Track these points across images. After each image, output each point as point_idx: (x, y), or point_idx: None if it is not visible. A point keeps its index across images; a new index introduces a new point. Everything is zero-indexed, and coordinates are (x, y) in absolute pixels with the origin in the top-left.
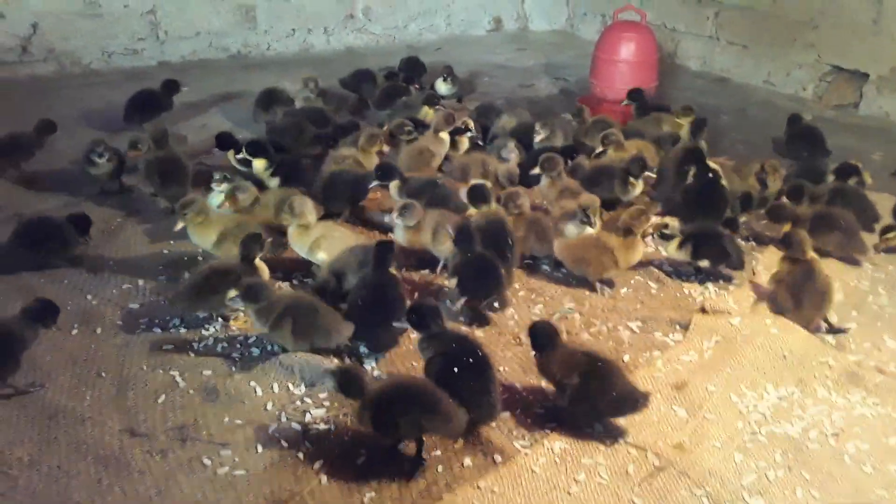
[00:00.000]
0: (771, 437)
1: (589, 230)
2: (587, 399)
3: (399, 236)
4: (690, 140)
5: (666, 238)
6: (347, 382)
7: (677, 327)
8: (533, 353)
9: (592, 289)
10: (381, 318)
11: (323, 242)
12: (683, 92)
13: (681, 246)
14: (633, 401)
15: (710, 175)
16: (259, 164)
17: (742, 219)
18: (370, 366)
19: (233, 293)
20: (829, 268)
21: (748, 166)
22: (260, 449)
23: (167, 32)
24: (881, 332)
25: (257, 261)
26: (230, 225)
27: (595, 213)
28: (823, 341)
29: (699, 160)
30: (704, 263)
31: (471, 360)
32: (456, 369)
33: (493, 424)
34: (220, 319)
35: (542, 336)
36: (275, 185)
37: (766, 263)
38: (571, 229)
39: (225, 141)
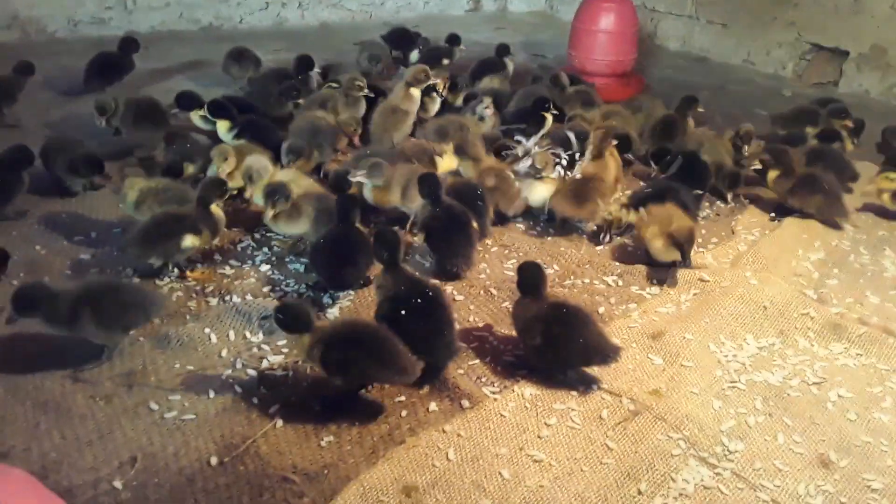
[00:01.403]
0: (751, 386)
1: (541, 182)
2: (553, 348)
3: (367, 195)
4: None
5: (621, 232)
6: (289, 317)
7: (654, 281)
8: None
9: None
10: (342, 258)
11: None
12: (663, 71)
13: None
14: (603, 352)
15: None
16: (222, 126)
17: (729, 195)
18: (332, 315)
19: (190, 239)
20: (811, 228)
21: (727, 134)
22: (212, 394)
23: (136, 2)
24: (863, 289)
25: (214, 207)
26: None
27: (543, 161)
28: (805, 294)
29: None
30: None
31: (421, 301)
32: (405, 311)
33: (461, 371)
34: (175, 270)
35: (528, 277)
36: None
37: (744, 223)
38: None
39: (187, 100)
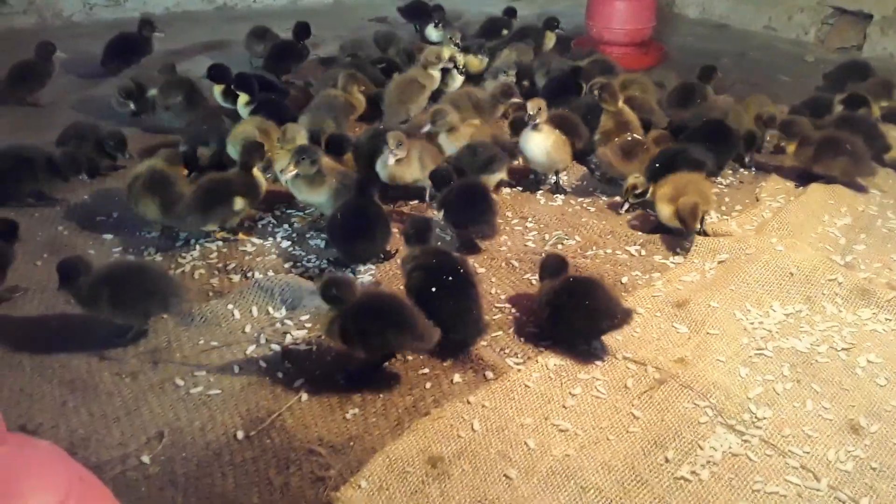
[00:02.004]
0: (778, 353)
1: (537, 131)
2: (561, 316)
3: (383, 172)
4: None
5: (641, 197)
6: (336, 288)
7: (678, 250)
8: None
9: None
10: (357, 232)
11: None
12: (683, 39)
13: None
14: (610, 315)
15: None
16: (242, 99)
17: (747, 158)
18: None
19: (240, 202)
20: (837, 194)
21: (750, 100)
22: (237, 370)
23: None
24: (891, 253)
25: (255, 170)
26: None
27: (536, 107)
28: (832, 260)
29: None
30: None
31: (450, 277)
32: (434, 287)
33: (484, 343)
34: (197, 247)
35: (546, 268)
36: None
37: (769, 191)
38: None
39: (219, 73)
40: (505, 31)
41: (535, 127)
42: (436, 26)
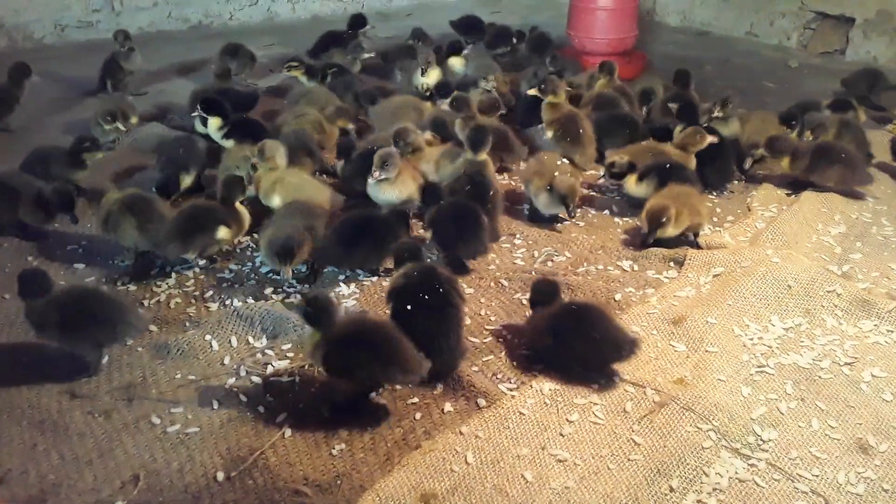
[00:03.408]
0: (780, 369)
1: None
2: (566, 348)
3: (377, 193)
4: (678, 91)
5: (616, 176)
6: (316, 310)
7: (671, 264)
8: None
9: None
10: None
11: (279, 187)
12: (665, 47)
13: (640, 180)
14: (618, 347)
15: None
16: (214, 124)
17: (747, 166)
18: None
19: (224, 231)
20: (830, 201)
21: (751, 114)
22: (216, 405)
23: (123, 3)
24: (888, 262)
25: (239, 206)
26: None
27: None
28: (829, 270)
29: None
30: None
31: (429, 296)
32: (412, 308)
33: (475, 368)
34: (173, 275)
35: (538, 293)
36: (229, 146)
37: (761, 200)
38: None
39: (213, 105)
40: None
41: (384, 179)
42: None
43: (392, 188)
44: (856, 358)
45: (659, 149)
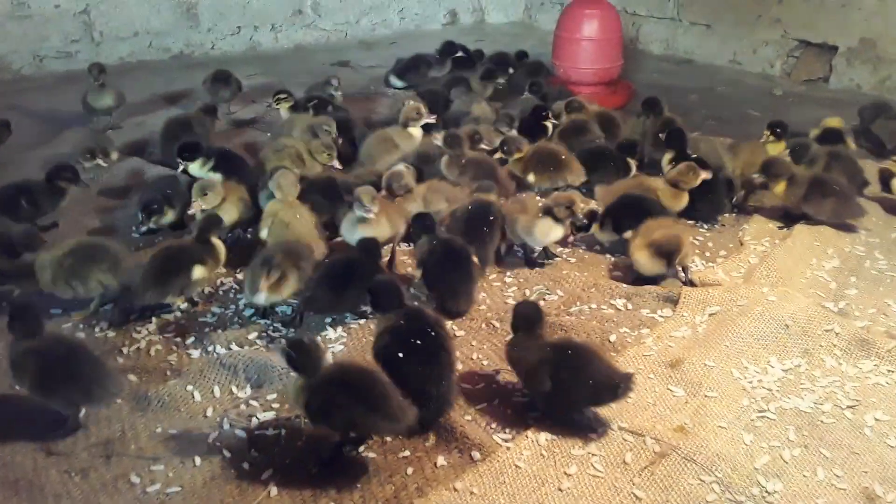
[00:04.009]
0: (781, 414)
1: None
2: (560, 391)
3: (351, 232)
4: (651, 118)
5: (582, 229)
6: (299, 354)
7: (665, 302)
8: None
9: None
10: (331, 280)
11: (271, 220)
12: (649, 76)
13: (602, 227)
14: (613, 386)
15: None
16: (195, 166)
17: (735, 199)
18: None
19: (199, 270)
20: (822, 235)
21: (742, 145)
22: (198, 461)
23: (102, 33)
24: (883, 297)
25: (214, 239)
26: None
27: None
28: (826, 308)
29: (679, 144)
30: (629, 236)
31: (420, 341)
32: (402, 352)
33: (469, 417)
34: (153, 320)
35: (521, 318)
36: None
37: (753, 233)
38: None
39: (191, 148)
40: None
41: (363, 220)
42: (399, 76)
43: (370, 229)
44: (857, 401)
45: (647, 184)
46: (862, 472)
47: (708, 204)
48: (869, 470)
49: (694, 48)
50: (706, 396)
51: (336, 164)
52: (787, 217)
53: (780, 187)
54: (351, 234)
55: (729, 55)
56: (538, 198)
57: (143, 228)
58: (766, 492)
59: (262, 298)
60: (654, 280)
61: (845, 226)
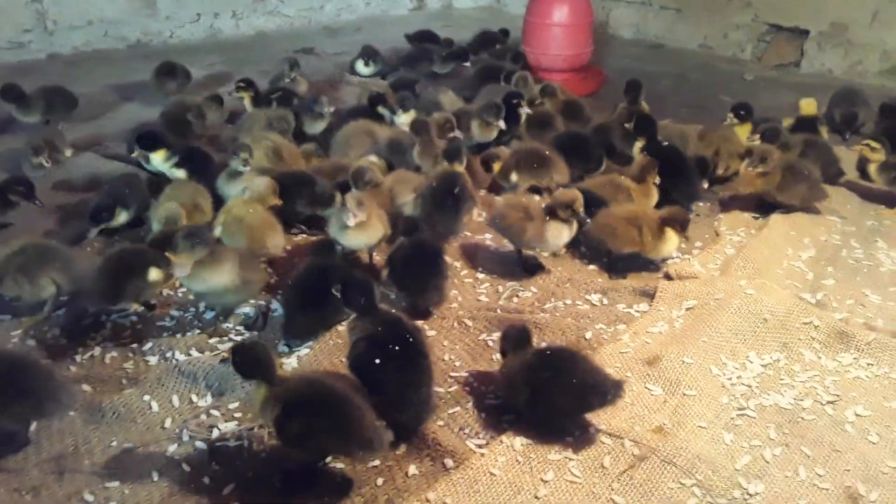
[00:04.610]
0: (761, 411)
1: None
2: (544, 399)
3: (342, 236)
4: (630, 105)
5: (583, 224)
6: (247, 359)
7: (642, 297)
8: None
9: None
10: (305, 301)
11: (225, 218)
12: (620, 61)
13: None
14: (602, 392)
15: (666, 144)
16: (158, 156)
17: (704, 184)
18: (290, 366)
19: (155, 273)
20: (797, 224)
21: (712, 132)
22: (155, 477)
23: (56, 22)
24: (861, 287)
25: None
26: None
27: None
28: (804, 300)
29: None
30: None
31: (398, 347)
32: (379, 359)
33: (441, 423)
34: (109, 325)
35: (508, 341)
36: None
37: (728, 224)
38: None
39: (151, 138)
40: (498, 46)
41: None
42: (365, 63)
43: (363, 233)
44: (838, 396)
45: (618, 180)
46: (844, 471)
47: (681, 192)
48: (851, 468)
49: (664, 33)
50: (685, 395)
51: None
52: (761, 206)
53: (757, 175)
54: (340, 236)
55: (699, 39)
56: (536, 198)
57: (91, 235)
58: (748, 494)
59: (183, 272)
60: (627, 267)
61: (821, 214)
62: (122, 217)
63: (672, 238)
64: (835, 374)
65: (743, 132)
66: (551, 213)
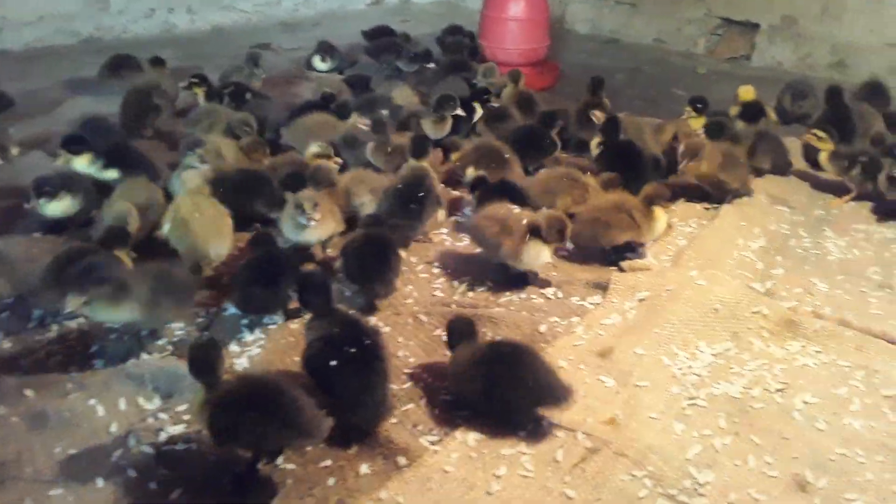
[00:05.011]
0: (711, 400)
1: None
2: (498, 396)
3: (297, 235)
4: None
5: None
6: (202, 358)
7: (595, 289)
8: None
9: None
10: (263, 280)
11: (171, 216)
12: (576, 56)
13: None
14: (554, 395)
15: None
16: (82, 161)
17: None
18: (241, 366)
19: None
20: (748, 214)
21: (668, 125)
22: (100, 483)
23: (5, 18)
24: (809, 276)
25: (120, 254)
26: None
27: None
28: (753, 290)
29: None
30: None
31: (354, 349)
32: (334, 360)
33: (394, 420)
34: (54, 326)
35: (454, 334)
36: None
37: (680, 215)
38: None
39: (75, 141)
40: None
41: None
42: (322, 59)
43: (317, 229)
44: (786, 384)
45: (575, 175)
46: (792, 459)
47: (636, 188)
48: (799, 455)
49: (620, 27)
50: (636, 386)
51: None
52: (703, 193)
53: (702, 165)
54: (295, 235)
55: (654, 34)
56: (516, 210)
57: (34, 203)
58: (698, 483)
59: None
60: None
61: (771, 205)
62: (65, 201)
63: (661, 215)
64: (783, 362)
65: (697, 124)
66: (534, 231)
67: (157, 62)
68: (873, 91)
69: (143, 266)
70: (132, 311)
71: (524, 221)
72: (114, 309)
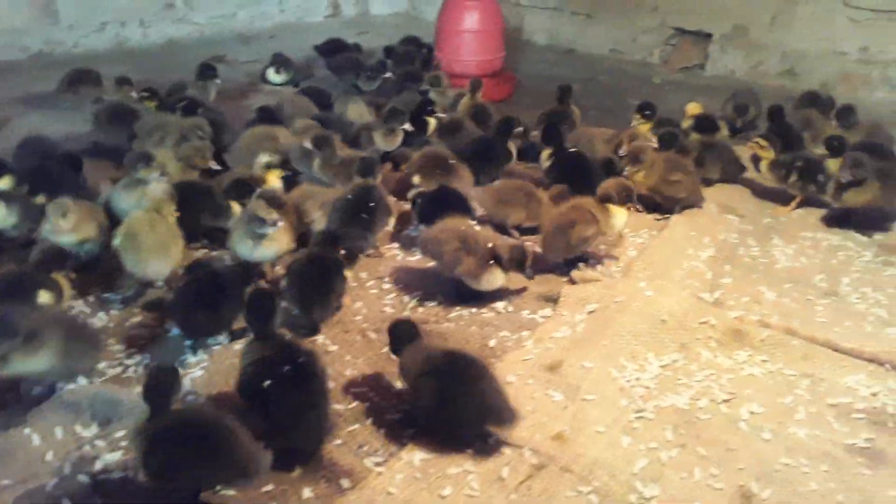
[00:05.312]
0: (658, 412)
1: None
2: (446, 409)
3: (253, 250)
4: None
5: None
6: (160, 384)
7: (546, 302)
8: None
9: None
10: (206, 303)
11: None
12: (534, 66)
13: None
14: (499, 414)
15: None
16: (5, 184)
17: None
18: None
19: (45, 295)
20: (698, 224)
21: (620, 135)
22: None
23: None
24: (756, 284)
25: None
26: None
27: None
28: (701, 300)
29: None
30: None
31: (290, 369)
32: (268, 381)
33: (339, 441)
34: None
35: (397, 335)
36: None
37: (631, 225)
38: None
39: None
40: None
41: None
42: (276, 71)
43: (272, 244)
44: (733, 394)
45: (530, 189)
46: (738, 470)
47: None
48: (745, 466)
49: (576, 38)
50: (584, 400)
51: (213, 165)
52: (653, 205)
53: (639, 174)
54: (251, 252)
55: (610, 44)
56: (476, 226)
57: None
58: (644, 498)
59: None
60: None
61: (721, 214)
62: (6, 181)
63: (617, 210)
64: (730, 372)
65: (645, 129)
66: (496, 259)
67: (123, 81)
68: (812, 101)
69: (51, 314)
70: (50, 359)
71: (489, 245)
72: (29, 360)
